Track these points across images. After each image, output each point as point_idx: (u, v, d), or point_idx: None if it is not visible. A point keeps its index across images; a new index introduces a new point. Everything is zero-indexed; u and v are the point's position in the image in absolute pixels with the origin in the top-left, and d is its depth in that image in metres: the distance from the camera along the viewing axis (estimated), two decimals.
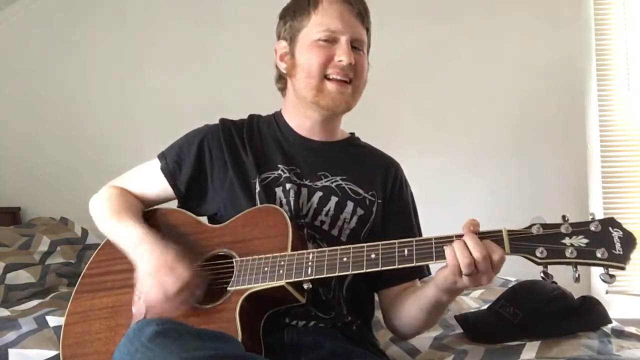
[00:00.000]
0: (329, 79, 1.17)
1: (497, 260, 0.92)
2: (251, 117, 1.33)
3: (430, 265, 1.06)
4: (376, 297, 1.29)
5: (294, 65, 1.22)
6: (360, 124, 1.37)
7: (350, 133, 1.35)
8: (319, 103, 1.19)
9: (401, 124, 2.60)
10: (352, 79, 1.19)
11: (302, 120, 1.26)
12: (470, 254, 0.92)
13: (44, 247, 2.12)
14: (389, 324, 1.25)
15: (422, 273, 1.23)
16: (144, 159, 1.32)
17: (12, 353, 1.36)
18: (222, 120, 1.29)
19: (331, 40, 1.18)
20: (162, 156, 1.28)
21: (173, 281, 1.02)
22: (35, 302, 1.73)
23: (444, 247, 0.95)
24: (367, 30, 1.24)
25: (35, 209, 2.70)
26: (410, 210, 1.30)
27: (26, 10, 2.83)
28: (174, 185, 1.25)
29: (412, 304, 1.14)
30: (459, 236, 0.95)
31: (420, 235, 1.28)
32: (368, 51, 1.27)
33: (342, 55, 1.16)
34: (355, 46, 1.19)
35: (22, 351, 1.36)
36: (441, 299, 1.06)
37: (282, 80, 1.29)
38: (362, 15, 1.21)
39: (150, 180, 1.27)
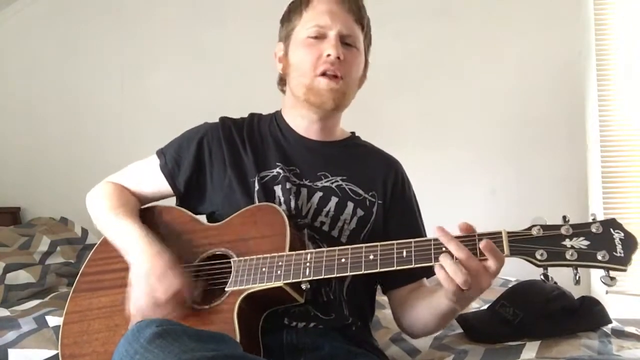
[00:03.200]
0: (322, 75, 1.16)
1: (493, 266, 0.90)
2: (252, 115, 1.32)
3: None
4: (377, 298, 1.28)
5: (288, 65, 1.22)
6: (360, 123, 1.36)
7: (351, 132, 1.35)
8: (309, 100, 1.18)
9: (401, 124, 2.60)
10: (342, 76, 1.17)
11: (299, 120, 1.25)
12: (456, 258, 0.90)
13: (44, 247, 2.13)
14: (399, 323, 1.24)
15: (429, 272, 1.18)
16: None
17: (12, 353, 1.36)
18: (222, 119, 1.29)
19: (320, 37, 1.17)
20: (161, 153, 1.27)
21: (164, 289, 1.01)
22: (35, 302, 1.73)
23: (435, 269, 0.93)
24: (363, 26, 1.22)
25: (35, 209, 2.70)
26: (414, 209, 1.28)
27: (26, 10, 2.83)
28: (172, 184, 1.25)
29: (425, 310, 1.12)
30: (457, 237, 0.93)
31: (425, 234, 1.26)
32: (368, 49, 1.25)
33: (329, 49, 1.15)
34: (347, 42, 1.18)
35: (22, 351, 1.37)
36: (455, 308, 1.04)
37: (282, 82, 1.28)
38: (354, 11, 1.20)
39: (149, 178, 1.27)
